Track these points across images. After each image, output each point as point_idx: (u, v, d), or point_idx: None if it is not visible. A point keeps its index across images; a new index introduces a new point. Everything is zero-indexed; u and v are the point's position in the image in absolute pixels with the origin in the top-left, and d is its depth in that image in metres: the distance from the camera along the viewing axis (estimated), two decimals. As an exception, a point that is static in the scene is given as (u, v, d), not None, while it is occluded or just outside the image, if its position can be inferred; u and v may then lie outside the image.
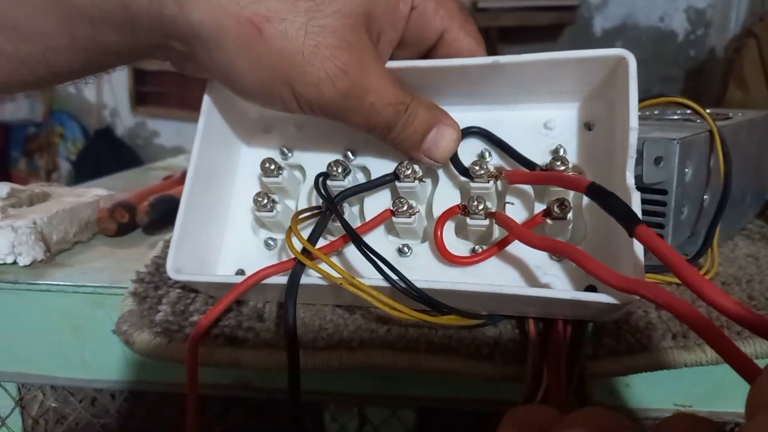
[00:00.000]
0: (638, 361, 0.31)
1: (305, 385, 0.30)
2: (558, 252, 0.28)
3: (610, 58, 0.31)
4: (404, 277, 0.29)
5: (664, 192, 0.36)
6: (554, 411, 0.19)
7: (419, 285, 0.29)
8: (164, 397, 0.45)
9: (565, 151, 0.34)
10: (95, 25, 0.28)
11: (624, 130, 0.30)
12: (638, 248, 0.27)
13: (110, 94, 2.74)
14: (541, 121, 0.35)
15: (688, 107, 0.40)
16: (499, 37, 1.96)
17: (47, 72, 0.30)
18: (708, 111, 0.44)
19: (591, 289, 0.31)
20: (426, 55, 0.35)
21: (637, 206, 0.27)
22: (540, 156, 0.34)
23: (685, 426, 0.16)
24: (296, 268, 0.31)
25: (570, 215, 0.31)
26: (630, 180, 0.29)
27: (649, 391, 0.36)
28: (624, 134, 0.30)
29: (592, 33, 2.06)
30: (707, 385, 0.36)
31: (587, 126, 0.34)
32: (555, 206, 0.30)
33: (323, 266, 0.30)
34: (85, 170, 2.69)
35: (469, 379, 0.31)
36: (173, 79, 2.41)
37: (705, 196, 0.40)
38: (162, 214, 0.51)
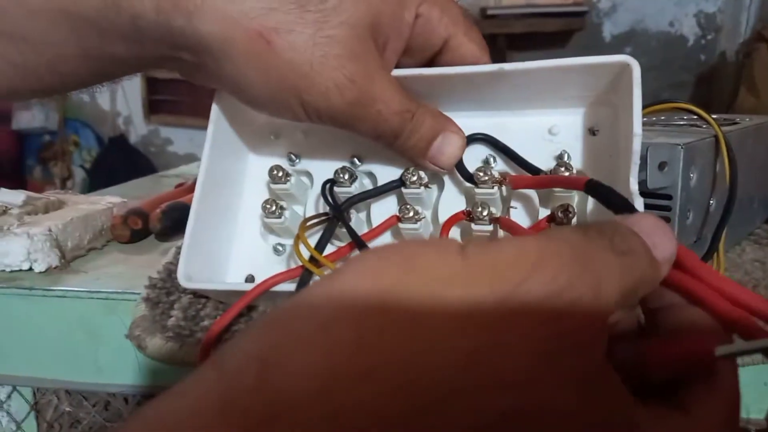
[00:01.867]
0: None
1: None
2: None
3: (615, 64, 0.31)
4: None
5: (668, 197, 0.36)
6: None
7: None
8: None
9: (569, 157, 0.34)
10: (104, 36, 0.29)
11: (628, 136, 0.30)
12: None
13: (124, 102, 2.78)
14: (545, 127, 0.35)
15: (693, 113, 0.40)
16: (508, 43, 1.96)
17: (55, 81, 0.31)
18: (715, 117, 0.44)
19: None
20: (431, 62, 0.36)
21: (640, 208, 0.28)
22: (545, 162, 0.34)
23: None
24: (304, 276, 0.31)
25: (574, 221, 0.31)
26: (634, 186, 0.29)
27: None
28: (628, 140, 0.30)
29: (601, 39, 2.06)
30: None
31: (592, 131, 0.34)
32: (559, 212, 0.31)
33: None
34: (99, 178, 2.72)
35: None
36: (186, 88, 2.43)
37: (711, 201, 0.40)
38: (174, 221, 0.52)
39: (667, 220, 0.37)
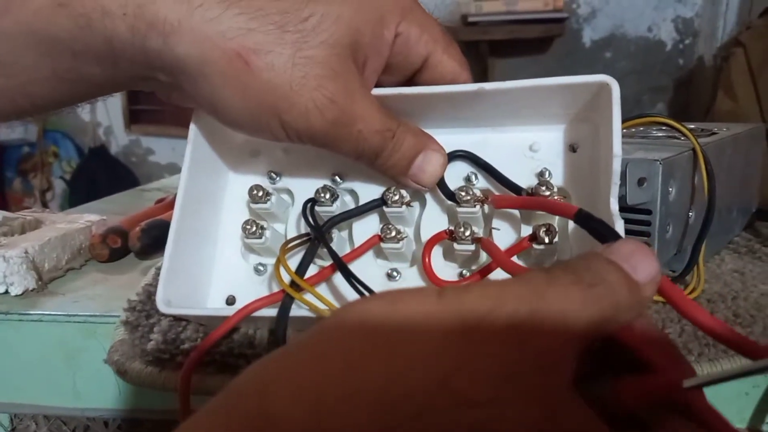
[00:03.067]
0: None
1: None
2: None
3: (593, 84, 0.31)
4: None
5: (648, 212, 0.36)
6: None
7: None
8: (157, 425, 0.45)
9: (550, 174, 0.34)
10: (77, 58, 0.28)
11: (608, 154, 0.30)
12: None
13: (104, 112, 2.75)
14: (526, 144, 0.35)
15: (671, 126, 0.40)
16: (490, 50, 1.97)
17: (28, 103, 0.31)
18: (692, 126, 0.44)
19: None
20: (411, 79, 0.35)
21: (621, 233, 0.28)
22: (526, 178, 0.35)
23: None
24: (285, 301, 0.31)
25: (556, 240, 0.31)
26: (614, 206, 0.29)
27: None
28: (608, 160, 0.30)
29: (581, 44, 2.08)
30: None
31: (572, 148, 0.35)
32: (541, 231, 0.31)
33: (311, 297, 0.30)
34: (79, 189, 2.69)
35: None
36: (167, 97, 2.41)
37: (690, 213, 0.40)
38: (154, 239, 0.51)
39: (647, 234, 0.37)
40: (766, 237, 0.50)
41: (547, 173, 0.34)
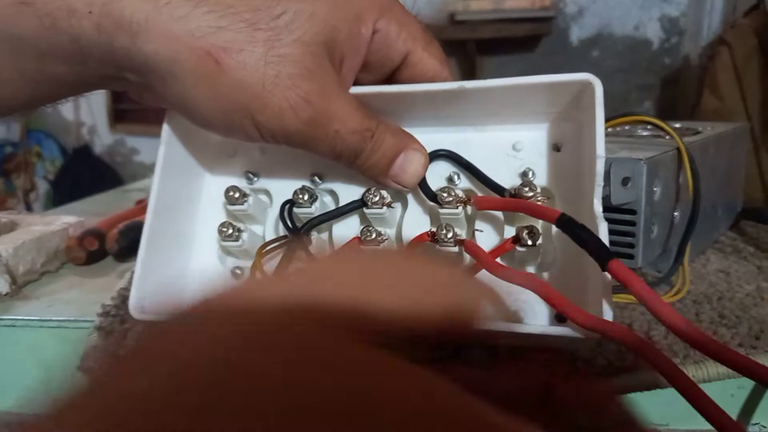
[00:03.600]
0: (612, 384, 0.30)
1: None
2: (524, 286, 0.27)
3: (576, 83, 0.30)
4: None
5: (632, 212, 0.36)
6: None
7: None
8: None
9: (533, 174, 0.34)
10: (43, 58, 0.27)
11: (592, 154, 0.30)
12: (607, 280, 0.26)
13: (88, 112, 2.72)
14: (509, 143, 0.35)
15: (655, 125, 0.40)
16: (477, 48, 1.97)
17: None
18: (678, 125, 0.44)
19: (561, 317, 0.30)
20: (390, 77, 0.35)
21: (604, 236, 0.27)
22: (509, 178, 0.34)
23: None
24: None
25: (539, 242, 0.31)
26: (598, 208, 0.28)
27: (643, 407, 0.36)
28: (591, 161, 0.29)
29: (568, 43, 2.08)
30: (684, 404, 0.35)
31: (555, 147, 0.34)
32: (524, 233, 0.30)
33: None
34: (63, 190, 2.65)
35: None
36: (152, 96, 2.39)
37: (675, 213, 0.40)
38: (132, 242, 0.50)
39: (632, 234, 0.36)
40: (751, 236, 0.50)
41: (530, 173, 0.33)
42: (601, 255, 0.24)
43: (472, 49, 1.96)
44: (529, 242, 0.30)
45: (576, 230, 0.24)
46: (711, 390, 0.35)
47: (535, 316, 0.31)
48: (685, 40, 2.04)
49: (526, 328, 0.27)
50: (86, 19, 0.26)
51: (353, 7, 0.30)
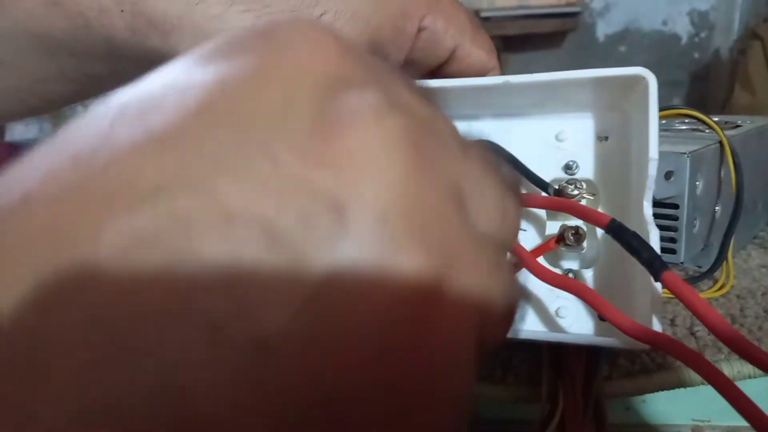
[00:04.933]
0: (653, 380, 0.30)
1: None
2: (569, 291, 0.27)
3: (628, 78, 0.29)
4: None
5: (675, 206, 0.36)
6: None
7: None
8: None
9: (577, 166, 0.33)
10: (79, 57, 0.28)
11: (641, 151, 0.29)
12: (658, 291, 0.26)
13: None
14: (552, 133, 0.34)
15: (698, 119, 0.39)
16: (503, 45, 1.96)
17: (39, 101, 0.30)
18: (716, 119, 0.44)
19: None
20: (435, 71, 0.35)
21: (655, 242, 0.26)
22: (552, 170, 0.33)
23: None
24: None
25: (584, 244, 0.30)
26: (648, 212, 0.27)
27: (667, 408, 0.35)
28: (640, 156, 0.28)
29: (595, 38, 2.06)
30: (724, 400, 0.35)
31: (601, 138, 0.33)
32: (570, 233, 0.30)
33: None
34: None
35: (484, 400, 0.31)
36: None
37: (717, 208, 0.40)
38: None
39: (674, 229, 0.36)
40: (792, 231, 0.49)
41: (574, 165, 0.33)
42: (654, 265, 0.23)
43: (498, 45, 1.95)
44: (575, 244, 0.30)
45: (627, 237, 0.23)
46: (750, 389, 0.35)
47: (579, 315, 0.31)
48: (715, 34, 2.00)
49: (569, 337, 0.27)
50: (118, 17, 0.26)
51: (398, 4, 0.30)
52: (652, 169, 0.27)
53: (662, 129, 0.46)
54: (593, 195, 0.32)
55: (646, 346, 0.24)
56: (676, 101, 1.98)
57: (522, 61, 2.04)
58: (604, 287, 0.31)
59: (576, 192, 0.31)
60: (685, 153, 0.34)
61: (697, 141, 0.38)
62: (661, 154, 0.34)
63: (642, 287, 0.27)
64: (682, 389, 0.32)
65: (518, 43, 1.99)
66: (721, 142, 0.38)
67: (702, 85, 1.98)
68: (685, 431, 0.36)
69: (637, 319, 0.25)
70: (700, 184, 0.36)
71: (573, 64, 2.10)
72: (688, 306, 0.21)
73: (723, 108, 1.50)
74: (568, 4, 1.96)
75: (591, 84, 0.30)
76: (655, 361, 0.31)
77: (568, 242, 0.30)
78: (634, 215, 0.28)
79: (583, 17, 2.04)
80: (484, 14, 1.93)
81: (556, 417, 0.29)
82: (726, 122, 0.47)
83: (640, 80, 0.28)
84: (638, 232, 0.25)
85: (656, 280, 0.23)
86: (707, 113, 0.39)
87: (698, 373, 0.20)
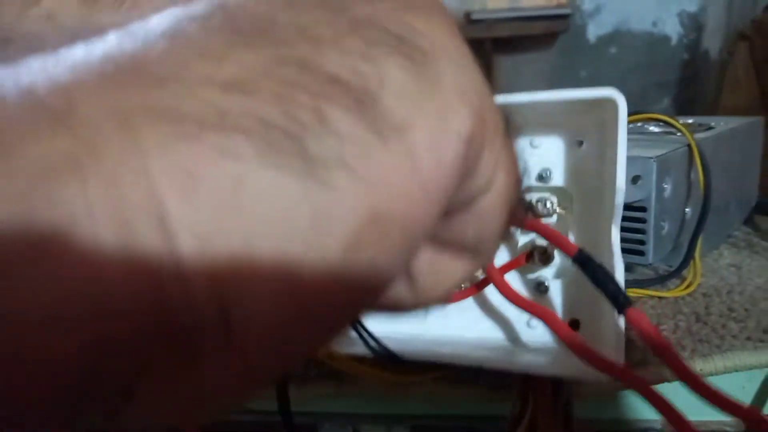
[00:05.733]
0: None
1: (299, 407, 0.30)
2: (535, 316, 0.27)
3: (597, 100, 0.29)
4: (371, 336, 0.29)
5: (643, 209, 0.37)
6: None
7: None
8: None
9: (551, 175, 0.33)
10: None
11: (612, 164, 0.28)
12: (621, 326, 0.26)
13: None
14: (527, 139, 0.34)
15: (666, 123, 0.40)
16: (494, 47, 1.97)
17: None
18: (690, 121, 0.45)
19: (574, 323, 0.31)
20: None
21: (620, 274, 0.27)
22: (525, 177, 0.34)
23: None
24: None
25: (551, 263, 0.31)
26: (615, 239, 0.28)
27: (638, 404, 0.36)
28: (612, 168, 0.28)
29: (586, 40, 2.08)
30: (694, 396, 0.36)
31: (576, 143, 0.33)
32: (538, 254, 0.30)
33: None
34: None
35: (457, 398, 0.32)
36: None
37: (687, 209, 0.41)
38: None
39: (643, 231, 0.37)
40: (766, 231, 0.50)
41: (547, 174, 0.33)
42: (618, 301, 0.23)
43: (489, 47, 1.96)
44: (541, 264, 0.31)
45: (593, 269, 0.24)
46: (719, 384, 0.36)
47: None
48: (705, 36, 2.02)
49: (537, 368, 0.28)
50: None
51: None
52: (619, 198, 0.28)
53: (635, 132, 0.47)
54: (564, 209, 0.32)
55: (607, 379, 0.24)
56: (666, 102, 2.00)
57: (513, 62, 2.06)
58: (573, 299, 0.32)
59: (545, 210, 0.31)
60: (651, 157, 0.35)
61: (666, 144, 0.39)
62: (629, 158, 0.35)
63: (607, 313, 0.28)
64: (653, 385, 0.33)
65: (509, 45, 2.01)
66: (689, 145, 0.39)
67: (692, 86, 1.99)
68: (655, 426, 0.37)
69: (603, 345, 0.26)
70: (668, 187, 0.38)
71: (564, 65, 2.11)
72: (652, 348, 0.22)
73: (712, 108, 1.51)
74: (558, 6, 1.98)
75: (564, 103, 0.30)
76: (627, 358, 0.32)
77: (535, 262, 0.31)
78: (603, 240, 0.28)
79: (574, 19, 2.05)
80: (475, 16, 1.95)
81: (526, 416, 0.30)
82: (700, 124, 0.48)
83: (609, 101, 0.28)
84: (607, 258, 0.25)
85: (619, 314, 0.23)
86: (696, 114, 0.40)
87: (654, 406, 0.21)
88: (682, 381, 0.21)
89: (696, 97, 1.92)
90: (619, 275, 0.27)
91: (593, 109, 0.30)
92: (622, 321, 0.26)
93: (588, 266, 0.24)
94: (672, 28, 2.04)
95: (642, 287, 0.38)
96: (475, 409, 0.37)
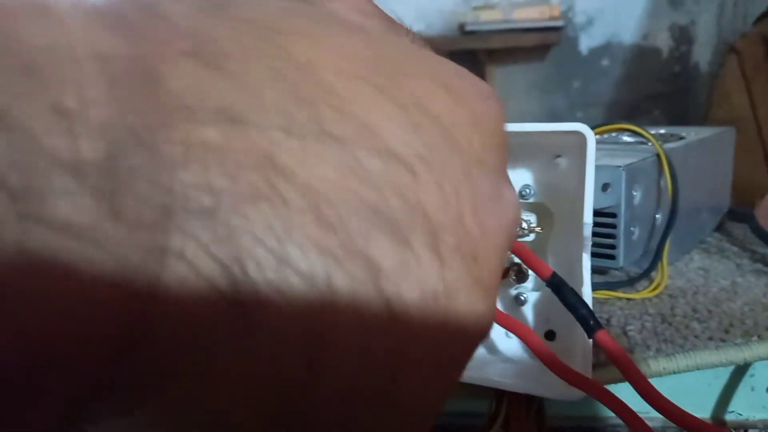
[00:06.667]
0: (597, 376, 0.32)
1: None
2: (512, 332, 0.28)
3: (569, 133, 0.30)
4: None
5: (613, 215, 0.38)
6: None
7: None
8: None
9: (531, 191, 0.33)
10: None
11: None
12: (589, 347, 0.28)
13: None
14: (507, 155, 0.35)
15: (635, 132, 0.42)
16: (488, 58, 2.00)
17: None
18: (663, 131, 0.47)
19: (550, 334, 0.32)
20: None
21: (588, 297, 0.28)
22: None
23: None
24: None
25: (525, 282, 0.32)
26: (586, 264, 0.29)
27: (608, 401, 0.38)
28: (580, 213, 0.29)
29: (578, 52, 2.11)
30: (665, 391, 0.38)
31: (554, 158, 0.33)
32: (512, 272, 0.31)
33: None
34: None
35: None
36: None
37: (657, 216, 0.43)
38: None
39: (613, 237, 0.39)
40: (737, 237, 0.52)
41: (528, 191, 0.33)
42: (588, 324, 0.24)
43: (483, 59, 1.99)
44: (516, 282, 0.32)
45: (565, 294, 0.25)
46: (687, 381, 0.37)
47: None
48: (695, 48, 2.05)
49: (510, 385, 0.29)
50: None
51: None
52: (587, 231, 0.29)
53: (608, 142, 0.49)
54: (542, 228, 0.32)
55: (579, 397, 0.26)
56: (656, 113, 2.03)
57: (505, 73, 2.09)
58: (549, 312, 0.33)
59: (521, 232, 0.31)
60: (620, 166, 0.37)
61: (637, 153, 0.41)
62: (599, 167, 0.37)
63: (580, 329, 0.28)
64: (623, 383, 0.34)
65: (502, 56, 2.04)
66: (658, 155, 0.41)
67: (682, 98, 2.02)
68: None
69: (574, 357, 0.27)
70: (637, 194, 0.39)
71: (556, 77, 2.14)
72: (620, 369, 0.24)
73: (703, 121, 1.53)
74: (551, 18, 2.01)
75: (533, 136, 0.31)
76: (598, 357, 0.34)
77: (510, 278, 0.32)
78: (577, 263, 0.29)
79: (566, 31, 2.08)
80: (468, 28, 1.98)
81: (502, 412, 0.31)
82: (671, 135, 0.50)
83: (579, 135, 0.29)
84: (579, 282, 0.27)
85: (589, 337, 0.25)
86: (689, 124, 0.41)
87: (623, 420, 0.23)
88: (643, 397, 0.23)
89: (686, 108, 1.95)
90: (588, 299, 0.28)
91: (567, 134, 0.30)
92: (590, 342, 0.27)
93: (561, 290, 0.25)
94: (663, 41, 2.07)
95: (612, 289, 0.40)
96: (454, 405, 0.38)
